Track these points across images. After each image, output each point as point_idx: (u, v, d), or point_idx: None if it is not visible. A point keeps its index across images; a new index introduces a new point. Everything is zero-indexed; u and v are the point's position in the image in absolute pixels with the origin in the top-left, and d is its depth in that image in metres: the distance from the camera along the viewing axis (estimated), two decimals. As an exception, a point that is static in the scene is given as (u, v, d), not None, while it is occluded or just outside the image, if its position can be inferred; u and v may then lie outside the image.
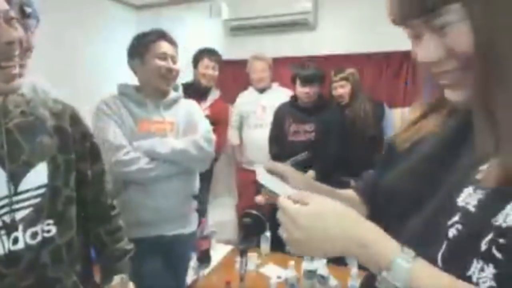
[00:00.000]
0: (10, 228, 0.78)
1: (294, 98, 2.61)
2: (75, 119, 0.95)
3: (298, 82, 2.48)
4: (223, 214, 3.27)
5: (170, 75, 1.52)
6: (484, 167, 0.47)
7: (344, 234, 0.50)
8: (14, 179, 0.79)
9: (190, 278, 1.97)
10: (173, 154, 1.45)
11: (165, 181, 1.47)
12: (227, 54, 3.14)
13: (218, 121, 2.72)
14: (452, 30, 0.46)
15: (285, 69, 2.97)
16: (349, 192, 0.78)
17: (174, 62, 1.54)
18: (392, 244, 0.49)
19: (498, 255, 0.42)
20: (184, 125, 1.57)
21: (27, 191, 0.81)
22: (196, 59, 2.77)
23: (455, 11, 0.45)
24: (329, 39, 3.19)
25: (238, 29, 3.41)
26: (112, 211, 1.08)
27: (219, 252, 2.32)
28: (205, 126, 1.62)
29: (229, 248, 2.40)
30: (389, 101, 2.90)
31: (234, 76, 3.43)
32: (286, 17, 3.17)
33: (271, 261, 2.15)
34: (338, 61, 3.00)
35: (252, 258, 2.08)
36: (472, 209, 0.46)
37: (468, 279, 0.44)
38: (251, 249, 2.12)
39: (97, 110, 1.47)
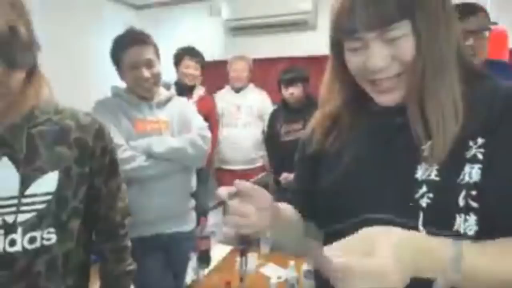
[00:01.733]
0: (9, 228, 0.79)
1: (284, 101, 2.73)
2: (100, 134, 0.95)
3: (282, 85, 2.64)
4: (220, 215, 3.27)
5: (146, 83, 1.48)
6: (426, 146, 0.58)
7: (412, 260, 0.49)
8: (25, 182, 0.80)
9: (190, 278, 1.97)
10: (170, 152, 1.46)
11: (162, 179, 1.48)
12: (227, 54, 3.14)
13: (208, 117, 2.74)
14: (400, 41, 0.57)
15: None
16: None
17: (151, 65, 1.47)
18: (444, 242, 0.51)
19: (475, 204, 0.54)
20: (178, 123, 1.58)
21: (34, 195, 0.81)
22: (177, 59, 2.74)
23: (404, 26, 0.56)
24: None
25: (238, 29, 3.42)
26: (121, 230, 1.06)
27: (219, 252, 2.32)
28: (199, 124, 1.62)
29: (229, 248, 2.40)
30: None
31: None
32: (286, 17, 3.18)
33: (271, 261, 2.15)
34: (338, 61, 3.00)
35: (252, 258, 2.08)
36: (436, 178, 0.57)
37: (456, 233, 0.54)
38: (251, 249, 2.12)
39: (93, 111, 1.47)
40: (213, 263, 2.16)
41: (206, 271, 2.05)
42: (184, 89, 2.74)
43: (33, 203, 0.81)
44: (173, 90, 1.66)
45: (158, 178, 1.47)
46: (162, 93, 1.60)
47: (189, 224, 1.66)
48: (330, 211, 0.70)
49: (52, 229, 0.84)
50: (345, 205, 0.67)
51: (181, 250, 1.66)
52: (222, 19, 3.39)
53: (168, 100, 1.60)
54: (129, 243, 1.09)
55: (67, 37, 2.97)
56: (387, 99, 0.62)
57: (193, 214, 1.71)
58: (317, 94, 0.80)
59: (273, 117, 2.79)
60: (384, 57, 0.58)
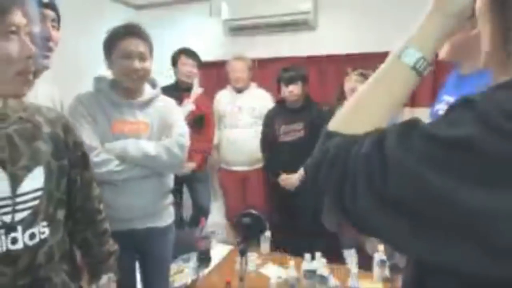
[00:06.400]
0: (9, 228, 0.81)
1: (282, 101, 2.72)
2: (67, 127, 0.99)
3: (282, 84, 2.62)
4: (220, 215, 3.27)
5: (135, 75, 1.45)
6: None
7: None
8: (15, 181, 0.82)
9: (190, 278, 1.97)
10: (144, 158, 1.44)
11: (138, 180, 1.46)
12: (227, 54, 3.14)
13: (206, 115, 2.82)
14: None
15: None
16: None
17: (143, 59, 1.46)
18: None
19: None
20: (159, 126, 1.53)
21: (26, 193, 0.84)
22: (175, 59, 2.83)
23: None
24: (329, 39, 3.19)
25: (238, 29, 3.41)
26: (99, 215, 1.12)
27: (219, 252, 2.32)
28: (180, 130, 1.57)
29: (229, 248, 2.40)
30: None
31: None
32: (286, 17, 3.17)
33: (271, 261, 2.15)
34: (338, 61, 3.00)
35: (252, 258, 2.08)
36: None
37: None
38: (251, 249, 2.12)
39: (70, 108, 1.45)
40: (213, 263, 2.17)
41: (206, 271, 2.06)
42: (182, 89, 2.78)
43: (26, 201, 0.84)
44: (158, 89, 1.59)
45: (132, 181, 1.45)
46: (147, 92, 1.55)
47: (165, 220, 1.63)
48: None
49: (45, 223, 0.88)
50: None
51: (159, 244, 1.63)
52: (222, 19, 3.39)
53: (151, 100, 1.55)
54: (108, 226, 1.15)
55: (66, 36, 2.97)
56: None
57: (171, 210, 1.68)
58: (317, 94, 0.81)
59: (270, 117, 2.75)
60: None
